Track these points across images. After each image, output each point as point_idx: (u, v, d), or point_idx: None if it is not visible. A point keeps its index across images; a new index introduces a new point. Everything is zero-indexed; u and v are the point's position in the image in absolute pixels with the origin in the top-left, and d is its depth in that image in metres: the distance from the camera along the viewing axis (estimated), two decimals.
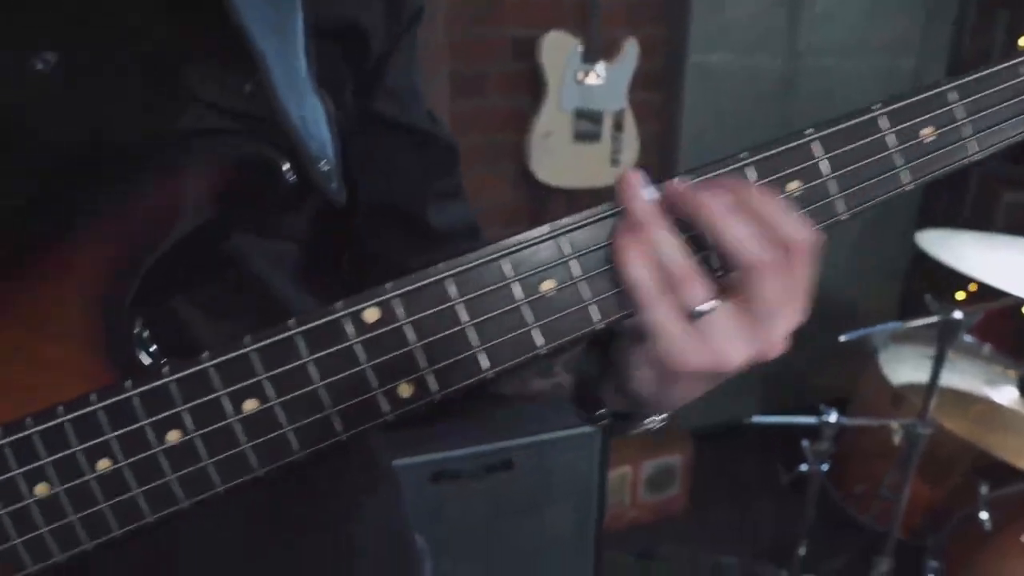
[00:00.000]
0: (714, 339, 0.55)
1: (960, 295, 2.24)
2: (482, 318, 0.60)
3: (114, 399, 0.58)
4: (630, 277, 0.56)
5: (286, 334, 0.59)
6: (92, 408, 0.58)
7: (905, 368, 2.62)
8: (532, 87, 2.85)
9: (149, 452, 0.59)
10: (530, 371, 0.73)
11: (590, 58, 2.80)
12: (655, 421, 0.70)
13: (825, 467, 2.21)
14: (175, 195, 0.61)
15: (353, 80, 0.76)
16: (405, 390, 0.60)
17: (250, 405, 0.59)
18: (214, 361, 0.59)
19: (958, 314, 1.91)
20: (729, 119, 3.06)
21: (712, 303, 0.55)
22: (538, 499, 2.17)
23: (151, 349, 0.61)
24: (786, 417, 2.25)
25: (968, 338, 2.38)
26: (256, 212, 0.65)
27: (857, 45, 3.22)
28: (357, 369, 0.59)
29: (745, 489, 3.20)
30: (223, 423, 0.59)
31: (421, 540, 1.02)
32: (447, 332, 0.60)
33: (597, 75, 2.82)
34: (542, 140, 2.85)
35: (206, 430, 0.59)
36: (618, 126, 2.89)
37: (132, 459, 0.59)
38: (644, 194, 0.56)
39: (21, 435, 0.58)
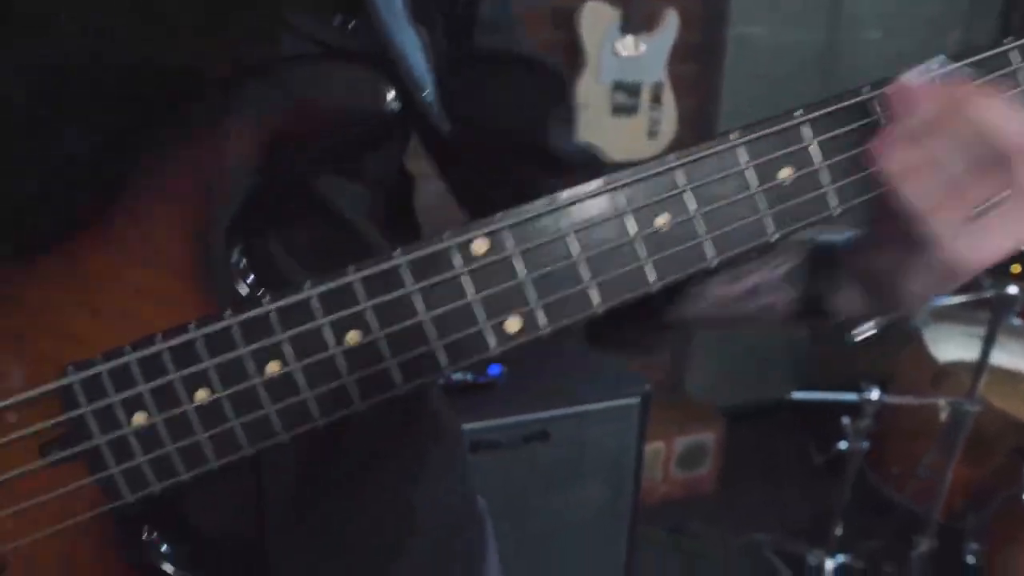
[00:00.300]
0: (994, 234, 0.55)
1: (1015, 268, 2.20)
2: (595, 251, 0.58)
3: (213, 327, 0.56)
4: (913, 191, 0.54)
5: (391, 263, 0.57)
6: (190, 336, 0.56)
7: (949, 346, 2.59)
8: (570, 58, 2.81)
9: (247, 383, 0.57)
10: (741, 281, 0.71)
11: (629, 29, 2.75)
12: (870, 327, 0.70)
13: (866, 445, 2.17)
14: (274, 123, 0.59)
15: (445, 21, 0.74)
16: (513, 325, 0.58)
17: (353, 337, 0.57)
18: (317, 289, 0.56)
19: (1013, 289, 1.87)
20: (769, 92, 3.01)
21: (995, 199, 0.53)
22: (574, 470, 2.15)
23: (248, 280, 0.59)
24: (827, 393, 2.22)
25: (1016, 321, 2.33)
26: (357, 145, 0.62)
27: (901, 17, 3.16)
28: (464, 301, 0.57)
29: (776, 468, 3.17)
30: (325, 355, 0.57)
31: (482, 501, 1.00)
32: (557, 265, 0.58)
33: (636, 47, 2.77)
34: (579, 113, 2.81)
35: (307, 361, 0.57)
36: (656, 99, 2.84)
37: (230, 390, 0.57)
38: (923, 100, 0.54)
39: (120, 362, 0.57)
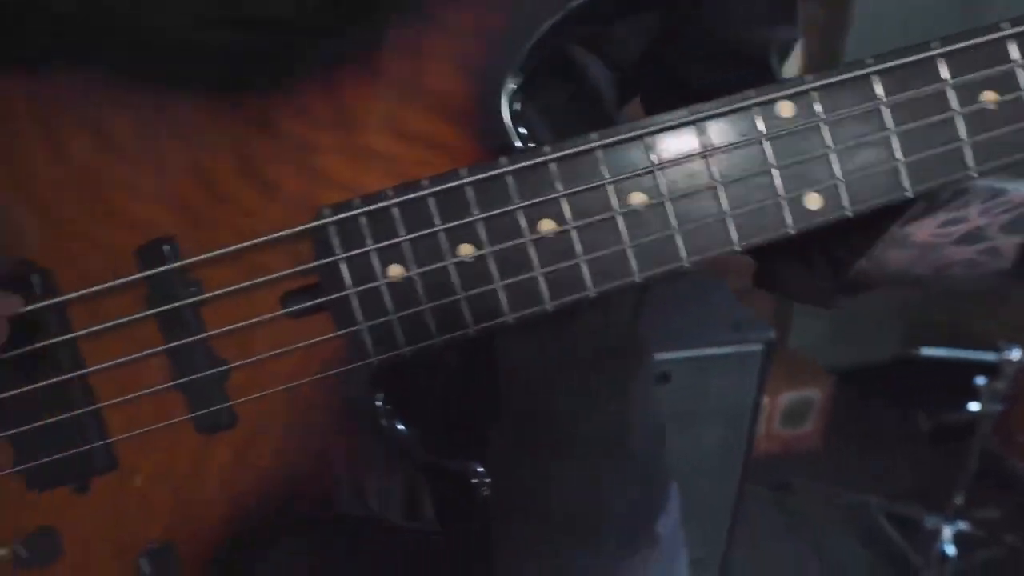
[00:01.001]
0: None
1: None
2: (911, 125, 0.51)
3: (487, 175, 0.51)
4: None
5: (689, 119, 0.51)
6: (460, 183, 0.51)
7: None
8: None
9: (518, 241, 0.52)
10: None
11: None
12: None
13: (999, 408, 2.06)
14: None
15: None
16: (813, 200, 0.51)
17: (637, 199, 0.51)
18: (604, 141, 0.51)
19: None
20: (899, 37, 2.83)
21: None
22: (690, 416, 2.09)
23: (520, 131, 0.53)
24: (960, 351, 2.10)
25: None
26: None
27: None
28: (763, 169, 0.51)
29: (880, 430, 3.07)
30: (605, 216, 0.51)
31: None
32: (866, 138, 0.51)
33: None
34: None
35: (584, 222, 0.51)
36: None
37: (497, 247, 0.52)
38: None
39: (380, 205, 0.52)
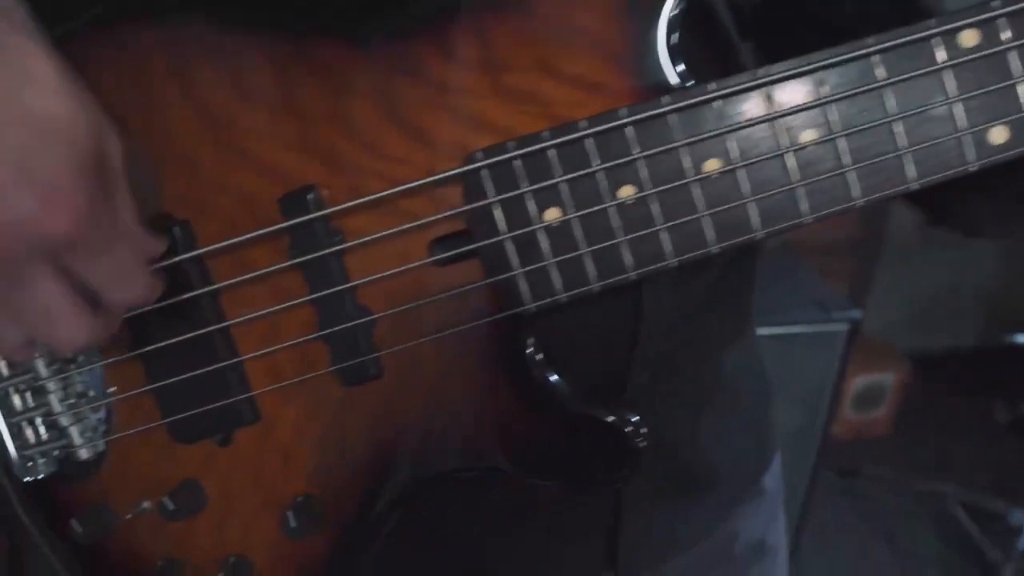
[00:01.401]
0: None
1: None
2: None
3: (648, 114, 0.49)
4: None
5: (863, 51, 0.48)
6: (620, 123, 0.49)
7: None
8: None
9: (681, 182, 0.49)
10: None
11: None
12: None
13: None
14: None
15: None
16: (998, 135, 0.48)
17: (807, 136, 0.49)
18: (770, 77, 0.48)
19: None
20: None
21: None
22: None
23: (679, 69, 0.51)
24: None
25: None
26: None
27: None
28: (943, 103, 0.48)
29: (955, 420, 2.99)
30: (774, 155, 0.49)
31: None
32: None
33: None
34: None
35: (749, 162, 0.49)
36: None
37: (660, 188, 0.50)
38: None
39: (537, 147, 0.50)
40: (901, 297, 3.11)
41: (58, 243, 0.42)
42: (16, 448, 0.60)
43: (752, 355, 0.79)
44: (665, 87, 0.50)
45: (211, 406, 0.56)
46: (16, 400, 0.59)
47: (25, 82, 0.40)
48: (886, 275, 3.02)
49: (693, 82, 0.50)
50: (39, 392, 0.59)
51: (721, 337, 0.71)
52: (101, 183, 0.43)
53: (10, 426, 0.59)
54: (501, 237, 0.51)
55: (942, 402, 3.05)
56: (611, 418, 0.53)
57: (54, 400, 0.59)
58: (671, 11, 0.50)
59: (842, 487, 2.69)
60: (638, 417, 0.53)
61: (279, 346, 0.55)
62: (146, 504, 0.59)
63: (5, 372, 0.59)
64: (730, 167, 0.49)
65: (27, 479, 0.61)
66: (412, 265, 0.53)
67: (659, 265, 0.50)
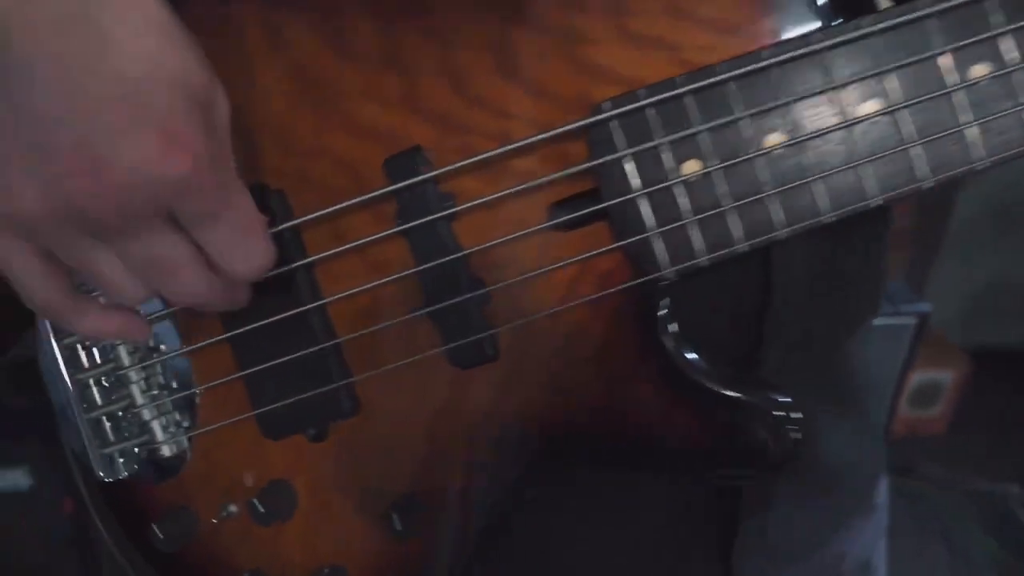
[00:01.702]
0: None
1: None
2: None
3: (794, 53, 0.44)
4: None
5: None
6: (761, 65, 0.44)
7: None
8: None
9: (831, 130, 0.44)
10: None
11: None
12: None
13: None
14: None
15: None
16: None
17: (981, 70, 0.43)
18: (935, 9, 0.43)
19: None
20: None
21: None
22: None
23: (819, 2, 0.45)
24: None
25: None
26: None
27: None
28: None
29: (1017, 420, 2.89)
30: (940, 94, 0.43)
31: None
32: None
33: None
34: None
35: (915, 101, 0.44)
36: None
37: (804, 136, 0.44)
38: None
39: (670, 94, 0.45)
40: (963, 290, 3.02)
41: (179, 186, 0.38)
42: (96, 446, 0.55)
43: (870, 356, 0.74)
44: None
45: (308, 394, 0.51)
46: (96, 393, 0.55)
47: (142, 22, 0.36)
48: (944, 268, 2.93)
49: (841, 20, 0.45)
50: (120, 384, 0.55)
51: (851, 321, 0.66)
52: (214, 132, 0.39)
53: (90, 421, 0.55)
54: (634, 194, 0.46)
55: (1002, 401, 2.96)
56: (760, 403, 0.47)
57: (136, 391, 0.54)
58: None
59: (894, 484, 2.61)
60: (789, 399, 0.48)
61: (381, 324, 0.51)
62: (233, 507, 0.54)
63: (85, 363, 0.55)
64: (890, 108, 0.44)
65: (108, 479, 0.56)
66: (531, 230, 0.48)
67: (811, 221, 0.45)
